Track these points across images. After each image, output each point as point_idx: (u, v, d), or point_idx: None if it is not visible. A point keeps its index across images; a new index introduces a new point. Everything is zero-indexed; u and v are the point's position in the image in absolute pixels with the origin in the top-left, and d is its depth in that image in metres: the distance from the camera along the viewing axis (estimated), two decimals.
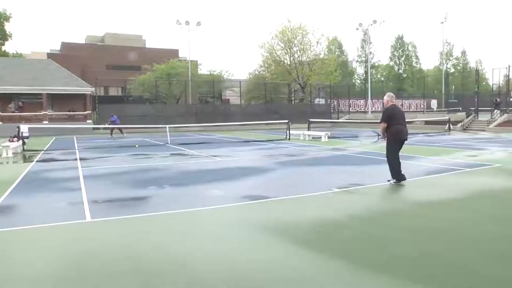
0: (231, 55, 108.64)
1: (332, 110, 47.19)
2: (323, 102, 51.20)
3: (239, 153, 15.30)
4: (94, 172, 10.54)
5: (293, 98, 51.39)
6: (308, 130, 24.70)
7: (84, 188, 8.15)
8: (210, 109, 40.36)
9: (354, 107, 48.21)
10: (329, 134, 21.90)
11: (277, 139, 22.19)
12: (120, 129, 29.14)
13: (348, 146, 17.42)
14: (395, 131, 8.10)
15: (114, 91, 52.67)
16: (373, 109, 46.22)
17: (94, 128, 33.12)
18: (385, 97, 8.37)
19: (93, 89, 37.26)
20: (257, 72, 55.38)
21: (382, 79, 68.11)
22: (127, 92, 42.84)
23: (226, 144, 20.09)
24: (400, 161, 8.32)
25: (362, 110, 47.29)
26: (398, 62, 72.70)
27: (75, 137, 27.00)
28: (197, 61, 52.44)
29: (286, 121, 23.92)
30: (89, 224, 5.63)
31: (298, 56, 50.36)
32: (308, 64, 50.19)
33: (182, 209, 6.32)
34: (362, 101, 48.54)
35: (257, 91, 49.40)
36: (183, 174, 10.23)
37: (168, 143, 20.05)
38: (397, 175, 8.15)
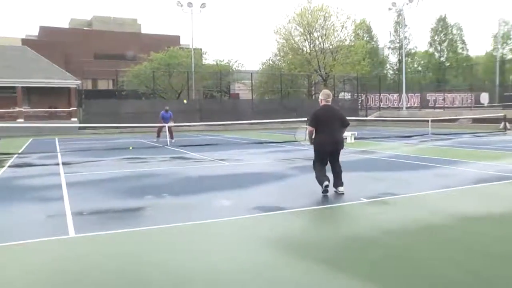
0: (241, 43, 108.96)
1: (359, 106, 46.99)
2: (349, 97, 50.97)
3: (250, 157, 15.27)
4: (80, 179, 10.59)
5: (313, 92, 51.31)
6: None
7: (67, 198, 8.18)
8: (217, 105, 40.47)
9: (386, 102, 47.96)
10: (356, 135, 21.79)
11: (295, 140, 22.11)
12: (169, 131, 22.59)
13: (379, 149, 17.29)
14: (318, 141, 8.08)
15: (104, 84, 53.18)
16: (409, 105, 45.88)
17: (80, 128, 33.38)
18: (320, 95, 8.34)
19: (79, 82, 37.60)
20: (271, 62, 55.43)
21: (420, 68, 67.41)
22: (119, 85, 43.20)
23: (234, 146, 20.09)
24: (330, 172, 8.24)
25: (395, 106, 47.01)
26: (439, 49, 71.50)
27: (57, 138, 27.22)
28: (201, 49, 52.67)
29: (305, 119, 23.84)
30: (73, 240, 5.62)
31: (320, 43, 50.26)
32: (331, 52, 50.06)
33: (184, 222, 6.31)
34: (395, 96, 48.24)
35: (271, 84, 49.43)
36: (185, 181, 10.23)
37: (167, 145, 20.12)
38: (320, 186, 8.03)
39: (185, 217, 6.63)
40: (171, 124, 22.75)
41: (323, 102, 8.18)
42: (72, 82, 36.94)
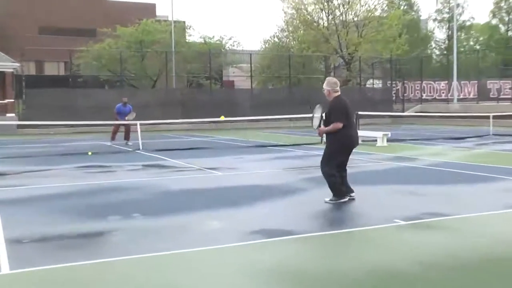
0: (237, 14, 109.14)
1: (393, 98, 46.94)
2: (380, 85, 50.86)
3: (249, 165, 15.34)
4: (19, 195, 10.56)
5: None
6: (357, 128, 24.66)
7: (0, 221, 8.11)
8: (205, 97, 40.41)
9: (430, 92, 47.81)
10: (389, 135, 21.78)
11: (308, 143, 22.11)
12: (126, 129, 23.79)
13: (420, 154, 17.31)
14: (344, 136, 9.02)
15: (52, 69, 53.14)
16: (462, 96, 45.69)
17: (19, 126, 33.25)
18: (324, 86, 9.23)
19: (18, 64, 37.45)
20: (276, 40, 55.43)
21: (478, 47, 66.88)
22: (73, 70, 43.06)
23: (228, 150, 20.16)
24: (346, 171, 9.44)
25: (443, 97, 46.76)
26: (506, 19, 70.21)
27: None
28: (184, 22, 52.71)
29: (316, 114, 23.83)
30: (7, 278, 5.58)
31: (341, 14, 50.33)
32: (357, 26, 50.06)
33: (161, 252, 6.29)
34: (443, 84, 48.02)
35: (276, 68, 49.37)
36: (162, 196, 10.27)
37: (140, 149, 20.14)
38: (339, 191, 9.09)
39: (162, 244, 6.61)
40: (131, 118, 22.99)
41: (332, 94, 9.09)
42: (8, 65, 36.69)
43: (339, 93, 9.15)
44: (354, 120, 9.48)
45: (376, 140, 21.01)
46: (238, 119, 32.59)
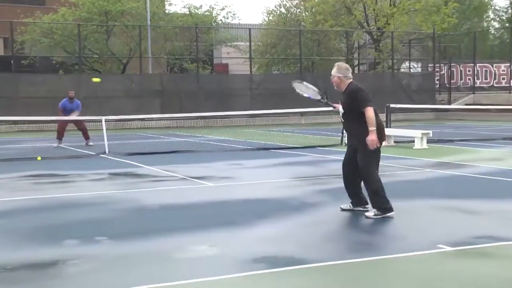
0: None
1: (437, 86, 46.81)
2: (419, 70, 50.76)
3: (249, 173, 15.43)
4: None
5: (356, 63, 51.23)
6: (388, 126, 24.63)
7: None
8: (190, 85, 40.33)
9: (485, 78, 47.65)
10: (430, 135, 21.78)
11: (325, 144, 22.15)
12: (80, 128, 24.84)
13: (471, 160, 17.34)
14: (380, 128, 9.49)
15: None
16: None
17: None
18: (334, 72, 9.65)
19: None
20: (283, 11, 55.36)
21: None
22: (16, 48, 42.94)
23: (221, 154, 20.24)
24: None
25: (504, 85, 46.54)
26: None
27: None
28: None
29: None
30: None
31: None
32: None
33: (134, 286, 6.25)
34: (504, 67, 47.80)
35: (283, 48, 49.35)
36: (135, 214, 10.29)
37: (105, 152, 20.18)
38: (386, 203, 9.36)
39: (136, 277, 6.62)
40: (77, 117, 23.76)
41: (346, 81, 9.59)
42: None
43: (352, 80, 9.65)
44: None
45: (413, 141, 21.02)
46: (234, 114, 32.63)
